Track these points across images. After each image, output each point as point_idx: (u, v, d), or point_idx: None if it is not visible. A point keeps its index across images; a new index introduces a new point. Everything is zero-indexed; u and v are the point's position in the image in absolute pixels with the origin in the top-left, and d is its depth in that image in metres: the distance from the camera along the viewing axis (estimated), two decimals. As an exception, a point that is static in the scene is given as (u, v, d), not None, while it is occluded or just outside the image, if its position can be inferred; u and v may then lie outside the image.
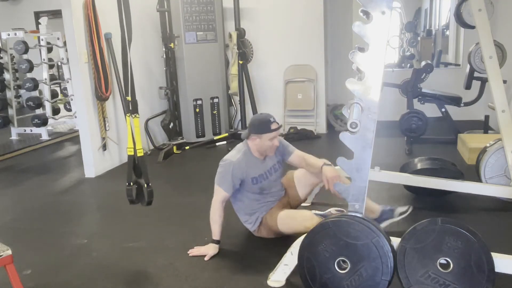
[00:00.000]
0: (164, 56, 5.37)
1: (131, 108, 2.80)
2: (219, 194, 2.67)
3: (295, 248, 2.24)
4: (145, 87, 5.37)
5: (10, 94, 6.28)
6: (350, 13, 6.32)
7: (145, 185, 2.76)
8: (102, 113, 4.57)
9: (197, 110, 5.54)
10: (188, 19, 5.34)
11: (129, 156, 2.82)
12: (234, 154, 2.70)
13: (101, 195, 4.11)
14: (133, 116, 2.80)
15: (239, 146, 2.77)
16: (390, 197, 3.45)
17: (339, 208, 2.76)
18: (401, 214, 2.76)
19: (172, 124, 5.52)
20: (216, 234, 2.68)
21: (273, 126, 2.62)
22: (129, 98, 2.79)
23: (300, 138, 5.62)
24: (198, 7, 5.37)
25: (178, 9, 5.28)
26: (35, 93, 6.31)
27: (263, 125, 2.62)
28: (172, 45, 5.28)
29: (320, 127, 5.96)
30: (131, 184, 2.81)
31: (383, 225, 2.70)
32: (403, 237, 2.04)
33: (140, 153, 2.78)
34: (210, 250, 2.66)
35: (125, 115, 2.88)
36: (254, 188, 2.71)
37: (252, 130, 2.66)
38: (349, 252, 2.04)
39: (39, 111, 6.31)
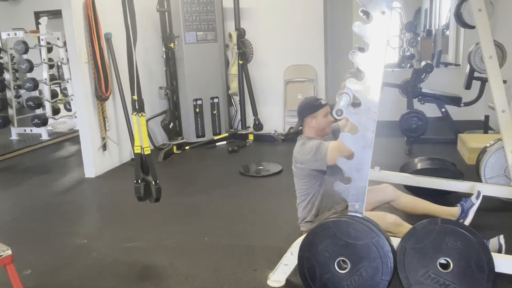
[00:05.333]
0: (164, 56, 5.37)
1: (137, 107, 2.83)
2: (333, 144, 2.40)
3: (295, 248, 2.24)
4: (145, 87, 5.34)
5: (10, 94, 6.28)
6: (350, 13, 6.32)
7: (153, 182, 2.81)
8: (102, 113, 4.57)
9: (197, 110, 5.54)
10: (188, 19, 5.34)
11: (136, 154, 2.87)
12: (303, 146, 2.60)
13: (101, 195, 4.11)
14: (140, 115, 2.83)
15: (299, 142, 2.66)
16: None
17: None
18: (477, 197, 2.73)
19: (172, 124, 5.52)
20: None
21: (323, 102, 2.65)
22: (135, 97, 2.81)
23: (300, 138, 5.62)
24: (198, 7, 5.37)
25: (178, 9, 5.28)
26: (35, 93, 6.31)
27: (314, 104, 2.64)
28: (172, 45, 5.28)
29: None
30: (139, 181, 2.85)
31: (470, 216, 2.65)
32: (403, 237, 2.04)
33: (147, 151, 2.82)
34: None
35: (131, 113, 2.91)
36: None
37: (305, 113, 2.64)
38: (349, 252, 2.04)
39: (39, 111, 6.31)
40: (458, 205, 2.78)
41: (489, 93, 3.13)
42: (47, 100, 6.30)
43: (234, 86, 5.85)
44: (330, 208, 2.60)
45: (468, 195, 3.11)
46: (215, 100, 5.65)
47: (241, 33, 5.58)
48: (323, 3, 5.71)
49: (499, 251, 2.24)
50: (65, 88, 6.72)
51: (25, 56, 6.08)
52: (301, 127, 2.70)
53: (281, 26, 5.82)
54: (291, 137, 5.56)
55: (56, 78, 6.99)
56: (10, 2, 8.46)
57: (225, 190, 3.92)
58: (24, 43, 5.93)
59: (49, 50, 6.42)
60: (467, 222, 2.63)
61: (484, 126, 4.98)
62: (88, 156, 4.52)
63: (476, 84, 4.79)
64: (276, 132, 5.71)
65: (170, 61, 5.39)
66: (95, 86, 4.43)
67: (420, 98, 4.97)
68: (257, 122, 5.62)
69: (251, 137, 5.70)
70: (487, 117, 4.90)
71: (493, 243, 2.30)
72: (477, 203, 2.73)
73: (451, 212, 2.77)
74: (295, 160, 2.66)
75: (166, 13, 5.33)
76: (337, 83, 6.28)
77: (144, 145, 2.81)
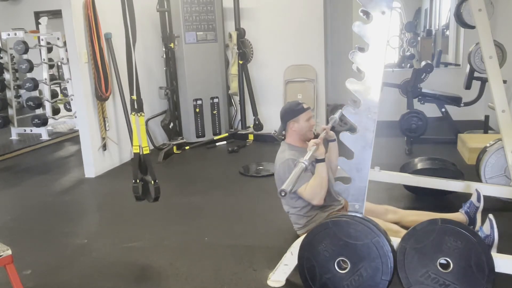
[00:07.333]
0: (164, 56, 5.37)
1: (136, 107, 2.83)
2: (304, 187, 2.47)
3: (295, 248, 2.24)
4: (145, 87, 5.36)
5: (10, 94, 6.28)
6: (350, 13, 6.32)
7: (152, 182, 2.80)
8: (102, 113, 4.57)
9: (197, 110, 5.54)
10: (188, 19, 5.34)
11: (135, 154, 2.87)
12: (282, 154, 2.63)
13: (101, 195, 4.11)
14: (139, 114, 2.84)
15: (281, 148, 2.72)
16: (390, 197, 3.45)
17: None
18: (478, 199, 2.71)
19: (172, 124, 5.52)
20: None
21: (305, 106, 2.68)
22: (134, 97, 2.82)
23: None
24: (198, 7, 5.37)
25: (178, 9, 5.28)
26: (35, 93, 6.31)
27: (296, 108, 2.67)
28: (172, 45, 5.28)
29: (320, 127, 5.95)
30: (137, 181, 2.85)
31: (478, 220, 2.64)
32: (403, 237, 2.04)
33: (146, 151, 2.83)
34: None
35: (130, 113, 2.92)
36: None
37: (287, 117, 2.68)
38: (349, 252, 2.04)
39: (39, 111, 6.31)
40: (463, 212, 2.75)
41: (489, 93, 3.13)
42: (47, 100, 6.30)
43: (234, 86, 5.85)
44: (327, 207, 2.59)
45: (467, 196, 3.12)
46: (215, 100, 5.64)
47: (241, 33, 5.58)
48: (323, 3, 5.70)
49: (491, 227, 2.23)
50: (65, 88, 6.72)
51: (25, 56, 6.08)
52: (284, 131, 2.73)
53: (281, 26, 5.82)
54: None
55: (56, 78, 6.99)
56: (10, 2, 8.45)
57: (225, 190, 3.92)
58: (24, 43, 5.93)
59: (49, 50, 6.42)
60: (478, 227, 2.62)
61: (484, 126, 4.98)
62: (88, 156, 4.52)
63: (476, 84, 4.79)
64: (276, 132, 5.69)
65: (170, 61, 5.39)
66: (95, 86, 4.43)
67: (420, 98, 4.97)
68: (257, 122, 5.62)
69: (251, 137, 5.70)
70: (487, 117, 4.90)
71: (485, 227, 2.30)
72: (481, 205, 2.71)
73: (459, 219, 2.74)
74: (275, 164, 2.67)
75: (166, 13, 5.33)
76: (337, 83, 6.30)
77: (143, 145, 2.81)
